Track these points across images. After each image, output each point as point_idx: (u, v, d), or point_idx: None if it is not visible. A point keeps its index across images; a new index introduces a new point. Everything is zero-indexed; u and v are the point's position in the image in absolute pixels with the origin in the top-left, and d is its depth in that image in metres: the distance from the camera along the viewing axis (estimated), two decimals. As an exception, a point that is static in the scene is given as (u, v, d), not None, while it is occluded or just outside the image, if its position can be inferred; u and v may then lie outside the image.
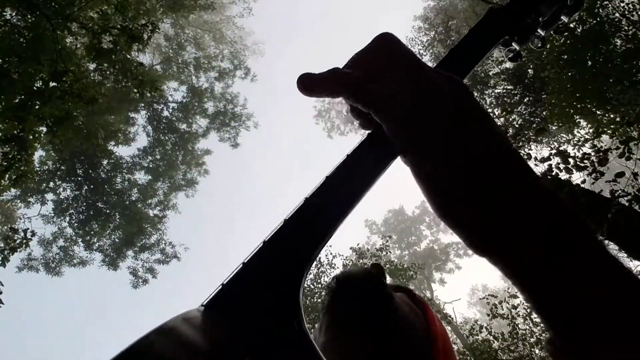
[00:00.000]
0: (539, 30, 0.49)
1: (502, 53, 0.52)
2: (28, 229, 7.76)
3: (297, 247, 0.35)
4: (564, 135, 9.72)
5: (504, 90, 9.80)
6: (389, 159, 0.38)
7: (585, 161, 5.13)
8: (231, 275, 0.33)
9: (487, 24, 0.47)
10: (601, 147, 5.34)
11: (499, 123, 8.55)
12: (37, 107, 6.58)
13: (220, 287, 0.33)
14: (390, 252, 11.68)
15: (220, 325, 0.30)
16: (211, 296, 0.32)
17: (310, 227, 0.36)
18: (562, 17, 0.49)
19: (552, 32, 0.50)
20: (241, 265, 0.34)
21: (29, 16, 6.91)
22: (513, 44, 0.49)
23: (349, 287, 0.70)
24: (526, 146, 7.75)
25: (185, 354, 0.26)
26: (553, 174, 5.21)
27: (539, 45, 0.50)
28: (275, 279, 0.33)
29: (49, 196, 12.71)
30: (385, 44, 0.39)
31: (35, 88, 6.78)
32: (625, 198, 4.83)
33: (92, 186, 12.77)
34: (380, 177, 0.38)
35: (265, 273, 0.33)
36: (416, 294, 0.78)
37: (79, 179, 12.68)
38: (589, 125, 7.82)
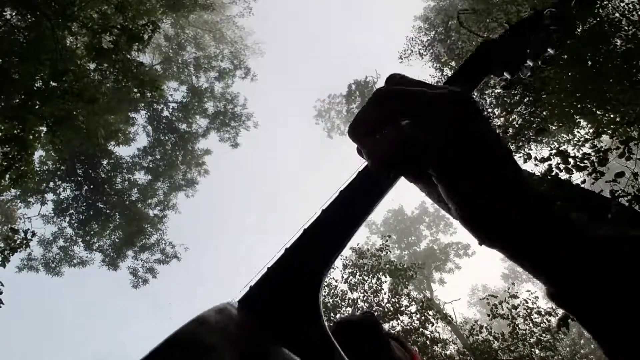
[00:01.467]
0: (527, 61, 0.52)
1: (495, 82, 0.55)
2: (28, 229, 7.75)
3: (316, 255, 0.38)
4: (564, 135, 9.72)
5: (504, 90, 9.78)
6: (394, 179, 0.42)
7: (585, 161, 5.13)
8: (259, 277, 0.38)
9: (480, 55, 0.50)
10: (601, 147, 5.34)
11: (498, 123, 8.55)
12: (37, 107, 6.58)
13: (249, 288, 0.37)
14: (390, 252, 11.68)
15: (252, 320, 0.34)
16: (243, 295, 0.37)
17: (327, 237, 0.39)
18: (548, 49, 0.53)
19: (539, 62, 0.53)
20: (270, 267, 0.38)
21: (28, 16, 6.90)
22: (505, 73, 0.52)
23: (349, 329, 0.80)
24: (526, 146, 7.75)
25: (224, 341, 0.30)
26: (553, 174, 5.21)
27: (528, 74, 0.53)
28: (296, 284, 0.37)
29: (49, 196, 12.71)
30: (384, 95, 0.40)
31: (35, 88, 6.78)
32: (625, 198, 4.83)
33: (92, 186, 12.77)
34: (385, 195, 0.42)
35: (288, 278, 0.37)
36: (406, 343, 0.88)
37: (79, 179, 12.68)
38: (589, 125, 7.82)
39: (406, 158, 0.39)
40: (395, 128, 0.39)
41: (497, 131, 0.38)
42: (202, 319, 0.30)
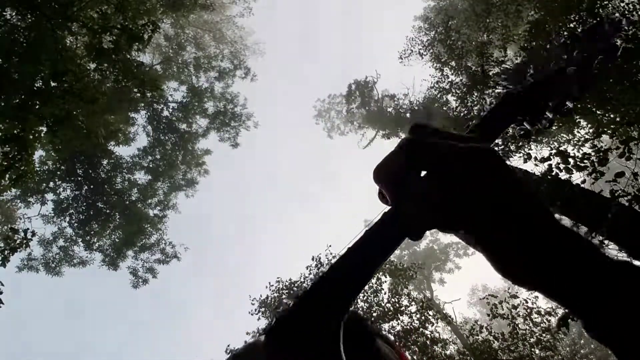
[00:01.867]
0: (547, 113, 0.56)
1: (515, 130, 0.59)
2: (28, 229, 7.75)
3: (339, 293, 0.41)
4: (564, 135, 9.72)
5: (504, 90, 9.76)
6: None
7: (585, 161, 5.13)
8: (285, 308, 0.40)
9: (504, 105, 0.54)
10: (601, 147, 5.34)
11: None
12: (37, 107, 6.58)
13: (275, 319, 0.40)
14: (390, 252, 11.68)
15: (277, 350, 0.38)
16: (270, 326, 0.40)
17: (351, 277, 0.42)
18: (567, 103, 0.56)
19: (558, 115, 0.57)
20: (295, 300, 0.41)
21: (28, 16, 6.90)
22: (525, 123, 0.56)
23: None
24: (526, 146, 7.75)
25: None
26: (553, 174, 5.21)
27: (547, 125, 0.57)
28: (322, 318, 0.40)
29: (49, 196, 12.71)
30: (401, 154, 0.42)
31: (35, 88, 6.77)
32: (625, 198, 4.83)
33: (92, 186, 12.77)
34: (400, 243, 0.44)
35: (315, 310, 0.40)
36: (389, 338, 0.89)
37: (79, 179, 12.68)
38: (589, 125, 7.82)
39: (437, 219, 0.40)
40: (421, 184, 0.40)
41: (525, 183, 0.39)
42: (235, 356, 0.36)
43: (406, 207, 0.41)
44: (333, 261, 0.42)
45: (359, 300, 10.13)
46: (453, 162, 0.38)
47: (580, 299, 0.34)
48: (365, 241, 0.43)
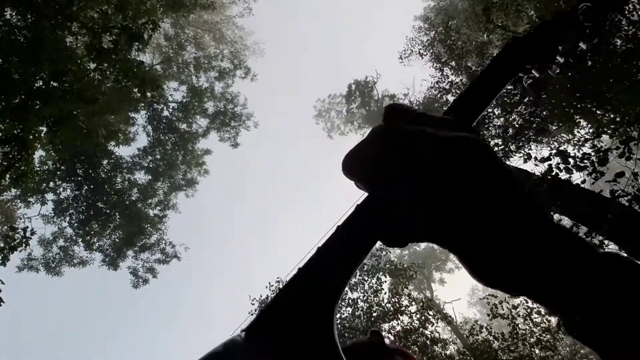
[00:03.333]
0: (557, 57, 0.49)
1: (523, 80, 0.52)
2: (28, 227, 7.74)
3: (329, 280, 0.36)
4: (564, 135, 9.71)
5: (504, 90, 9.75)
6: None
7: (585, 161, 5.13)
8: (269, 302, 0.36)
9: (509, 53, 0.47)
10: (601, 147, 5.34)
11: (498, 123, 8.53)
12: (37, 107, 6.58)
13: (260, 313, 0.36)
14: (390, 252, 11.69)
15: (257, 348, 0.34)
16: (250, 323, 0.35)
17: (339, 263, 0.37)
18: (580, 45, 0.49)
19: (570, 59, 0.50)
20: (277, 292, 0.37)
21: (28, 16, 6.90)
22: (533, 71, 0.49)
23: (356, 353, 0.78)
24: (526, 146, 7.75)
25: None
26: (553, 174, 5.21)
27: (557, 72, 0.50)
28: (305, 311, 0.35)
29: (49, 196, 12.70)
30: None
31: (35, 88, 6.78)
32: (625, 198, 4.83)
33: (92, 186, 12.77)
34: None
35: (297, 304, 0.35)
36: (411, 355, 0.84)
37: (79, 179, 12.67)
38: (589, 125, 7.82)
39: (422, 228, 0.35)
40: (402, 182, 0.34)
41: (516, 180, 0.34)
42: (210, 356, 0.32)
43: (385, 208, 0.36)
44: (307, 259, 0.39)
45: (358, 301, 10.13)
46: (432, 155, 0.33)
47: (568, 298, 0.31)
48: (336, 241, 0.39)
